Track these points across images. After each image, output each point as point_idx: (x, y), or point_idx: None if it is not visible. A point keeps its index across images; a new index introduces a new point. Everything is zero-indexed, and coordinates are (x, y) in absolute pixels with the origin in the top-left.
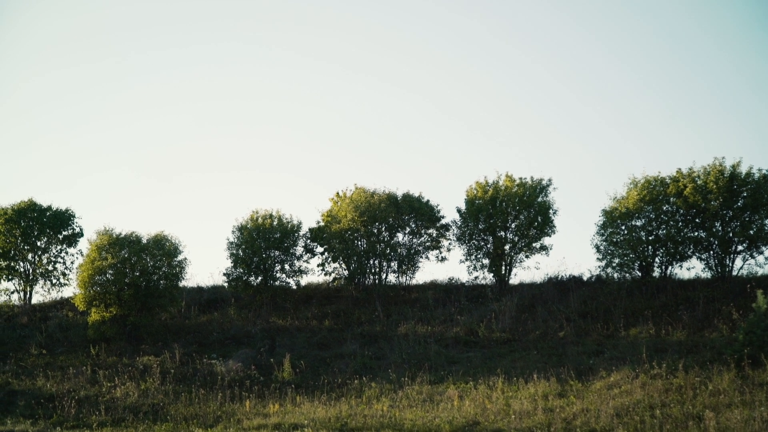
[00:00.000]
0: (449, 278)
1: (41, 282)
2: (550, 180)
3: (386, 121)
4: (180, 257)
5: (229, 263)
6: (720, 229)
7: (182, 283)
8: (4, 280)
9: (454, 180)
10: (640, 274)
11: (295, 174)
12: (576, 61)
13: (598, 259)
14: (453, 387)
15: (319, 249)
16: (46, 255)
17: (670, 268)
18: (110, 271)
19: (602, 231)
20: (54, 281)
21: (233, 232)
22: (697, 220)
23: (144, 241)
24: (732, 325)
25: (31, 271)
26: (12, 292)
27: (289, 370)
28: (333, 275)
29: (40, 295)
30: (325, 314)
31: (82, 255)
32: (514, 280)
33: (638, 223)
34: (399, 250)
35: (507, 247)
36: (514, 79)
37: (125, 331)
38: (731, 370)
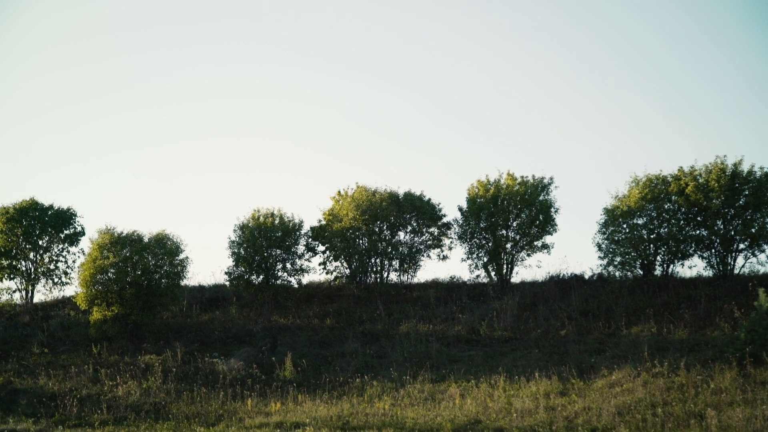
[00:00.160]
0: (451, 277)
1: (43, 281)
2: (551, 178)
3: (387, 119)
4: (181, 256)
5: (230, 262)
6: (722, 227)
7: (184, 282)
8: (6, 279)
9: (456, 178)
10: (641, 272)
11: (297, 173)
12: (577, 60)
13: (599, 257)
14: (455, 385)
15: (321, 248)
16: (48, 254)
17: (671, 266)
18: (112, 270)
19: (604, 229)
20: (56, 280)
21: (235, 230)
22: (698, 219)
23: (145, 239)
24: (734, 324)
25: (32, 270)
26: (14, 291)
27: (290, 369)
28: (334, 274)
29: (42, 294)
30: (326, 313)
31: (83, 254)
32: (515, 279)
33: (640, 222)
34: (400, 249)
35: (509, 245)
36: (516, 78)
37: (127, 330)
38: (733, 369)
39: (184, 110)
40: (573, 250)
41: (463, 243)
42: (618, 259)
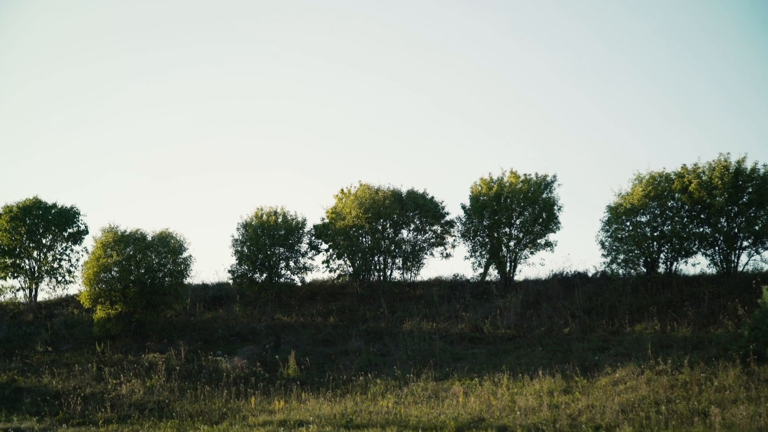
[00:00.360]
0: (454, 275)
1: (47, 279)
2: (554, 176)
3: (390, 118)
4: (185, 254)
5: (234, 260)
6: (725, 224)
7: (187, 281)
8: (10, 278)
9: (459, 176)
10: (645, 270)
11: (300, 171)
12: (580, 59)
13: (603, 255)
14: (458, 383)
15: (324, 246)
16: (52, 252)
17: (675, 264)
18: (115, 269)
19: (607, 227)
20: (59, 279)
21: (238, 229)
22: (702, 216)
23: (149, 238)
24: (737, 321)
25: (36, 268)
26: (18, 290)
27: (294, 367)
28: (338, 272)
29: (46, 292)
30: (329, 311)
31: (87, 252)
32: (519, 277)
33: (643, 219)
34: (404, 247)
35: (512, 243)
36: (519, 77)
37: (130, 329)
38: (737, 366)
39: (187, 110)
40: (576, 248)
41: (466, 241)
42: (621, 256)
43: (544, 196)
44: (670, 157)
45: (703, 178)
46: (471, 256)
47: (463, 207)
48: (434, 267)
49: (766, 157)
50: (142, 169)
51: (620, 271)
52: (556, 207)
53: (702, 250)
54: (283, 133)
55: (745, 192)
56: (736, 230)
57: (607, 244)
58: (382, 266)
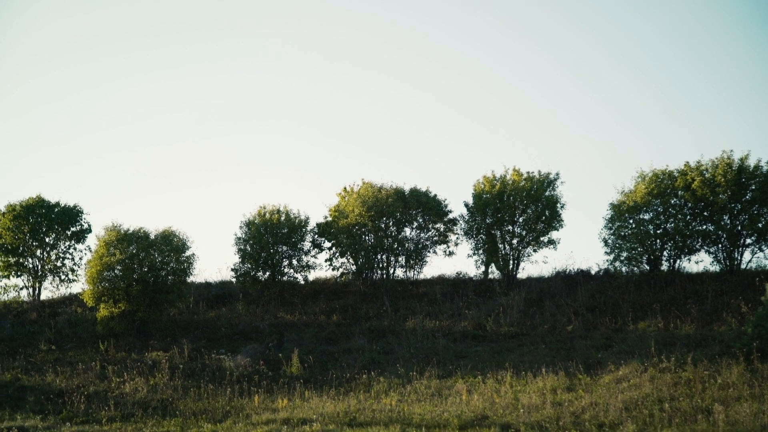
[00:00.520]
0: (457, 273)
1: (50, 278)
2: (557, 174)
3: (393, 116)
4: (188, 253)
5: (237, 258)
6: (728, 222)
7: (190, 279)
8: (14, 277)
9: (462, 174)
10: (648, 267)
11: (303, 169)
12: (584, 57)
13: (606, 252)
14: (461, 381)
15: (327, 244)
16: (55, 251)
17: (678, 261)
18: (118, 267)
19: (610, 225)
20: (62, 277)
21: (241, 227)
22: (705, 214)
23: (152, 236)
24: (741, 319)
25: (39, 267)
26: (21, 289)
27: (297, 365)
28: (341, 270)
29: (49, 291)
30: (333, 309)
31: (90, 251)
32: (522, 275)
33: (646, 217)
34: (406, 245)
35: (515, 241)
36: (522, 75)
37: (134, 327)
38: (740, 364)
39: (190, 107)
40: (579, 245)
41: (469, 239)
42: (624, 254)
43: (547, 193)
44: (673, 155)
45: (706, 175)
46: (474, 254)
47: (466, 205)
48: (437, 265)
49: None
50: (145, 167)
51: (623, 269)
52: (559, 205)
53: (705, 248)
54: (286, 130)
55: (748, 189)
56: (739, 228)
57: (610, 241)
58: (385, 264)
